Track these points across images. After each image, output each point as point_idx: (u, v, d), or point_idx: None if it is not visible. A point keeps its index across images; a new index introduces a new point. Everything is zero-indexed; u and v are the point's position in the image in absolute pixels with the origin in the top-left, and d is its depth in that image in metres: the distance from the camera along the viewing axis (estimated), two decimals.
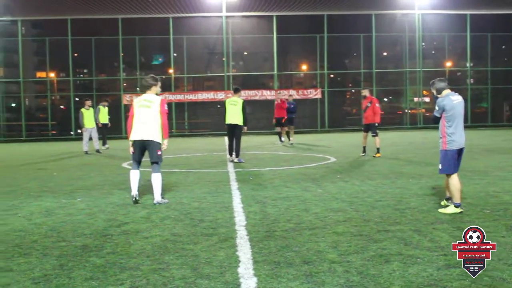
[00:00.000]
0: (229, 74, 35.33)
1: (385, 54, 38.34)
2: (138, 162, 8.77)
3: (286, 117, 22.50)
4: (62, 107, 37.54)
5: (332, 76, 37.43)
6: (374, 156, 15.88)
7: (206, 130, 34.91)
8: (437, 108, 7.48)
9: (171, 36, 34.57)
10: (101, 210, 8.20)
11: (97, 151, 20.10)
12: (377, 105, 16.15)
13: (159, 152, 8.61)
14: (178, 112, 35.13)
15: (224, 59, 35.35)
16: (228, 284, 4.58)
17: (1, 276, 4.98)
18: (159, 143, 8.61)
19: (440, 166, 7.57)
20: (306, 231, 6.45)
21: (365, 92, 16.58)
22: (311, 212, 7.62)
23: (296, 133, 27.19)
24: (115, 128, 30.49)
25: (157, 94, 8.81)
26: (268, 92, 34.65)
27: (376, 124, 16.16)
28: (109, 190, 10.31)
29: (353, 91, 38.68)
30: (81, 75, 39.46)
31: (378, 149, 16.17)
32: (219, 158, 16.61)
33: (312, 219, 7.17)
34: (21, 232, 6.76)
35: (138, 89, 35.59)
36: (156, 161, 8.62)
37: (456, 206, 7.36)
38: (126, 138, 8.80)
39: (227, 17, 34.79)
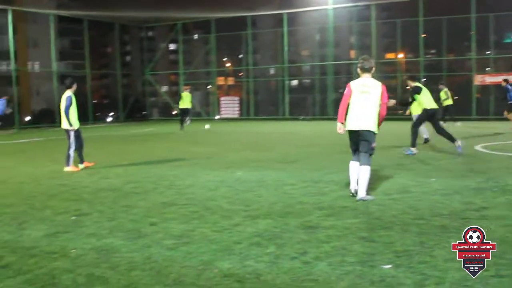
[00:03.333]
0: None
1: None
2: (356, 152, 7.99)
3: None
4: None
5: None
6: None
7: None
8: None
9: None
10: (456, 192, 8.03)
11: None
12: None
13: (373, 144, 7.81)
14: None
15: None
16: None
17: (365, 246, 5.29)
18: (375, 134, 7.82)
19: None
20: None
21: None
22: None
23: None
24: (463, 109, 29.69)
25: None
26: None
27: None
28: (462, 173, 10.03)
29: None
30: (429, 56, 39.39)
31: None
32: None
33: None
34: (380, 206, 7.08)
35: (488, 68, 33.91)
36: (367, 152, 7.82)
37: None
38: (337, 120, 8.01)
39: None
